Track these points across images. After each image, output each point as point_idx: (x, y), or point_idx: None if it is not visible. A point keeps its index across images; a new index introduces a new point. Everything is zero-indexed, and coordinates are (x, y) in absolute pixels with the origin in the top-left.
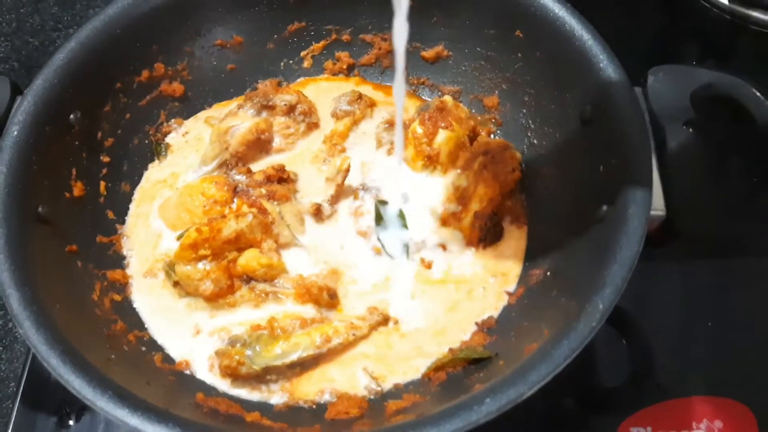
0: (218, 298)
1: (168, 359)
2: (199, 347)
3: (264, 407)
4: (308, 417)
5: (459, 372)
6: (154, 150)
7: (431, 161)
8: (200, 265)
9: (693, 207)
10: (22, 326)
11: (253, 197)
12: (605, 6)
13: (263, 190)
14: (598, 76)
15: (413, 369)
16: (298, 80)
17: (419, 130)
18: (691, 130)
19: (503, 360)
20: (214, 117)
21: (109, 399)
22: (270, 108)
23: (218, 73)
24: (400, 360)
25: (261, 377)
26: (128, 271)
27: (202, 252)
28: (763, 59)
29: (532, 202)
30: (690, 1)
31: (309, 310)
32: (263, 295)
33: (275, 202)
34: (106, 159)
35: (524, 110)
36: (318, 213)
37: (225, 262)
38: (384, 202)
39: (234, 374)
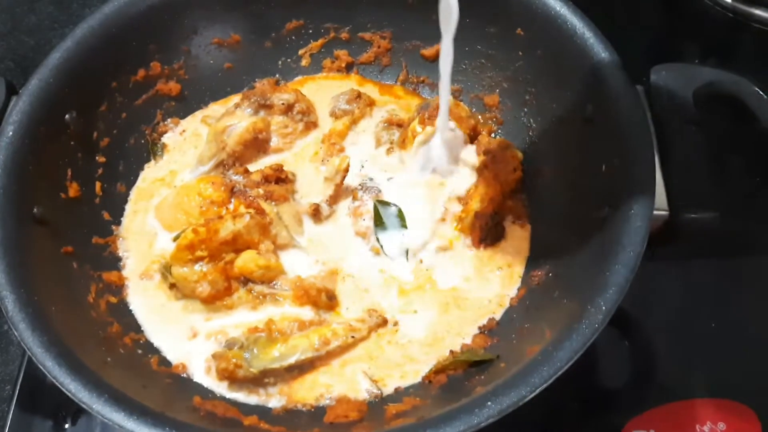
0: (215, 300)
1: (164, 362)
2: (196, 350)
3: (262, 411)
4: (307, 420)
5: (460, 374)
6: (151, 150)
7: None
8: (197, 267)
9: (696, 206)
10: (17, 328)
11: (250, 197)
12: (607, 4)
13: (261, 191)
14: (600, 75)
15: (413, 372)
16: (296, 79)
17: (419, 129)
18: (693, 128)
19: (505, 362)
20: (211, 116)
21: (105, 402)
22: (267, 107)
23: (215, 72)
24: (400, 362)
25: (259, 380)
26: (124, 273)
27: (198, 253)
28: (765, 57)
29: (534, 201)
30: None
31: (307, 312)
32: (261, 297)
33: (273, 203)
34: (102, 159)
35: (525, 109)
36: (316, 213)
37: (222, 263)
38: (384, 203)
39: (231, 377)
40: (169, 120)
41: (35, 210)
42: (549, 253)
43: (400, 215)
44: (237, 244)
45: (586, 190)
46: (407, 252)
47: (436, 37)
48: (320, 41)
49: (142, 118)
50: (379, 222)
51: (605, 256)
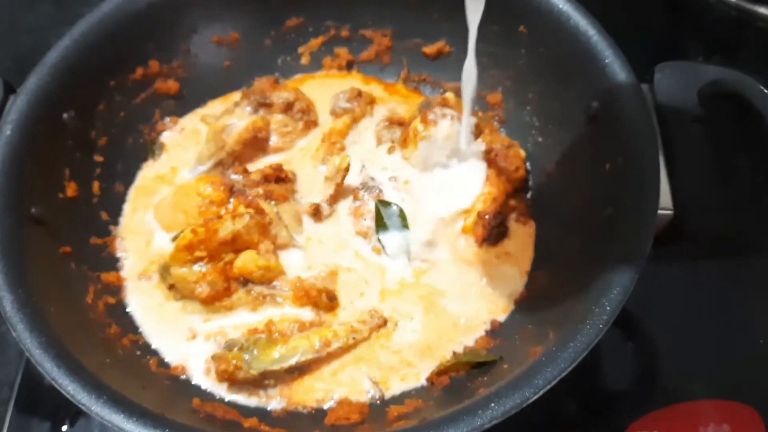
0: (214, 300)
1: (163, 363)
2: (195, 351)
3: (262, 413)
4: (307, 422)
5: (462, 376)
6: (149, 149)
7: None
8: (196, 267)
9: (701, 205)
10: (15, 329)
11: (250, 197)
12: (610, 2)
13: (260, 190)
14: (604, 73)
15: (415, 373)
16: (296, 77)
17: (420, 127)
18: (698, 127)
19: (508, 364)
20: (210, 115)
21: (104, 404)
22: (267, 106)
23: (214, 71)
24: (401, 364)
25: (259, 382)
26: (122, 274)
27: (197, 254)
28: None
29: (537, 201)
30: None
31: (307, 313)
32: (260, 297)
33: (273, 202)
34: (100, 159)
35: (528, 107)
36: (317, 213)
37: (221, 264)
38: (385, 202)
39: (231, 379)
40: (167, 119)
41: (33, 210)
42: (552, 253)
43: (402, 215)
44: (236, 245)
45: (590, 189)
46: (409, 252)
47: (437, 34)
48: (320, 39)
49: (141, 117)
50: (380, 222)
51: (609, 256)
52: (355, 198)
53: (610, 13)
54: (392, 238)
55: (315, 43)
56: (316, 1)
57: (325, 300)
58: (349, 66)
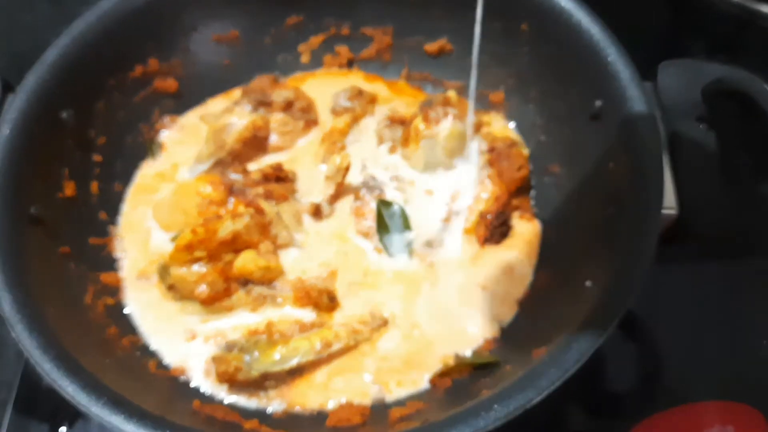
0: (214, 301)
1: (163, 365)
2: (195, 352)
3: (262, 414)
4: (308, 424)
5: (465, 378)
6: (148, 148)
7: None
8: (195, 268)
9: (705, 205)
10: (14, 329)
11: (249, 197)
12: None
13: (260, 190)
14: (607, 71)
15: (417, 375)
16: (296, 75)
17: (422, 126)
18: (702, 125)
19: (510, 365)
20: (210, 114)
21: (103, 405)
22: (267, 104)
23: (213, 69)
24: (404, 365)
25: (259, 383)
26: (121, 274)
27: (197, 254)
28: None
29: (540, 200)
30: None
31: (308, 314)
32: (261, 298)
33: (273, 202)
34: (99, 158)
35: (531, 106)
36: (317, 213)
37: (221, 264)
38: (386, 202)
39: (231, 380)
40: (166, 117)
41: (31, 209)
42: (556, 254)
43: (403, 215)
44: (236, 245)
45: (594, 188)
46: (410, 252)
47: (438, 32)
48: (321, 37)
49: (140, 115)
50: (381, 222)
51: (614, 256)
52: (356, 197)
53: (613, 11)
54: (394, 237)
55: (315, 41)
56: None
57: (325, 300)
58: (350, 64)
